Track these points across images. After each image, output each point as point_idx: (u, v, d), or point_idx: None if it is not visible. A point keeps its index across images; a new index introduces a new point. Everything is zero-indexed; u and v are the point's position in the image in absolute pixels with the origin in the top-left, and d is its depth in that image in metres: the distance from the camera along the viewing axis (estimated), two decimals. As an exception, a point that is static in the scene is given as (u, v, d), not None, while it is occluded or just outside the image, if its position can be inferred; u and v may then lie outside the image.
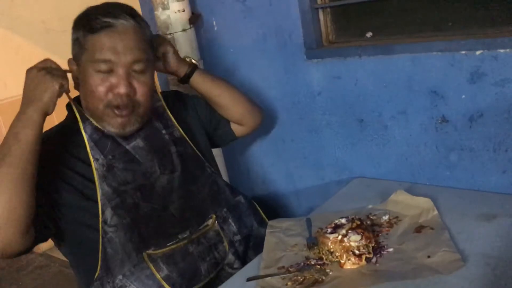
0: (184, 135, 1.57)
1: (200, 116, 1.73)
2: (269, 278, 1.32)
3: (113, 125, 1.39)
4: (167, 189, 1.47)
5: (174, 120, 1.58)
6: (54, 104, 1.31)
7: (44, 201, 1.33)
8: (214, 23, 2.13)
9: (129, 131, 1.42)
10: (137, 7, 2.37)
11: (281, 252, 1.45)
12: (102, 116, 1.38)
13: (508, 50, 1.48)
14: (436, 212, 1.49)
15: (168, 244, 1.41)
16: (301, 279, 1.29)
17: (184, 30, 2.05)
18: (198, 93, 1.73)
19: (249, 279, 1.34)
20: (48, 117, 1.31)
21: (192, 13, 2.08)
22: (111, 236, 1.36)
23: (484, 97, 1.56)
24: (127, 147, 1.43)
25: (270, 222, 1.64)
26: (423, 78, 1.66)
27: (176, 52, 1.62)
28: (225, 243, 1.52)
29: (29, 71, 1.32)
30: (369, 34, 1.83)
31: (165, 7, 2.02)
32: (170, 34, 2.04)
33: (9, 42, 2.12)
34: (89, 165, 1.39)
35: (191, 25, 2.07)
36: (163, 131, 1.53)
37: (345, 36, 1.91)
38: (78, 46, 1.35)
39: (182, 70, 1.64)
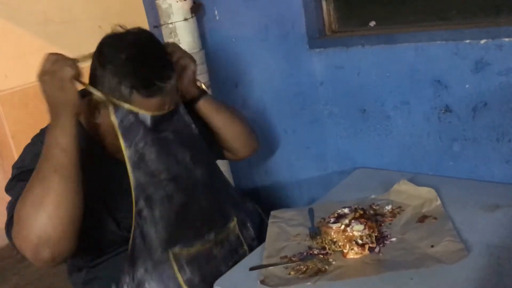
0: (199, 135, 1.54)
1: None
2: (272, 267, 1.32)
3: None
4: (199, 183, 1.45)
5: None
6: (77, 100, 1.24)
7: None
8: (216, 12, 2.12)
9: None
10: (138, -4, 2.36)
11: (284, 241, 1.45)
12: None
13: (512, 39, 1.47)
14: (439, 202, 1.49)
15: (195, 244, 1.40)
16: (304, 269, 1.29)
17: (185, 19, 2.03)
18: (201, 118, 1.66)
19: (252, 268, 1.34)
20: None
21: (194, 2, 2.07)
22: (142, 229, 1.33)
23: (488, 86, 1.56)
24: (159, 136, 1.39)
25: (272, 212, 1.64)
26: (427, 67, 1.65)
27: (194, 72, 1.55)
28: (245, 247, 1.51)
29: (38, 79, 1.25)
30: (372, 23, 1.82)
31: (166, -4, 2.01)
32: (171, 23, 2.03)
33: (9, 33, 2.10)
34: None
35: (193, 15, 2.06)
36: (193, 125, 1.49)
37: (348, 26, 1.90)
38: (119, 96, 1.28)
39: (191, 92, 1.57)
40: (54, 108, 1.23)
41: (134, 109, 1.29)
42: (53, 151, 1.20)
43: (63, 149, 1.21)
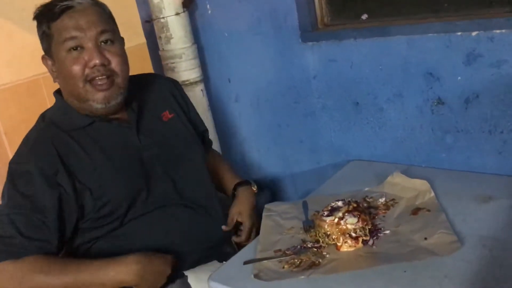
0: None
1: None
2: (266, 261, 1.32)
3: (97, 101, 1.39)
4: None
5: None
6: None
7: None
8: (208, 6, 2.11)
9: (113, 105, 1.43)
10: (130, -10, 2.34)
11: (278, 235, 1.45)
12: (85, 94, 1.39)
13: (504, 31, 1.47)
14: (432, 194, 1.49)
15: None
16: (298, 262, 1.29)
17: (177, 13, 2.03)
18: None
19: (246, 262, 1.34)
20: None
21: (186, -4, 2.06)
22: None
23: (480, 78, 1.56)
24: None
25: (266, 206, 1.64)
26: (419, 60, 1.65)
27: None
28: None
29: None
30: (364, 16, 1.82)
31: (158, -9, 2.00)
32: (163, 18, 2.02)
33: (0, 29, 2.09)
34: None
35: (185, 9, 2.05)
36: None
37: (340, 19, 1.90)
38: (46, 37, 1.38)
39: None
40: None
41: (59, 42, 1.36)
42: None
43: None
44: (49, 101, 2.52)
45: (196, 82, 2.13)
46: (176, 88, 1.69)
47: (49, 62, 1.43)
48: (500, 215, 1.36)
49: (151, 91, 1.57)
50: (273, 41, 1.98)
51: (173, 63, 2.08)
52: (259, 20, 1.98)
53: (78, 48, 1.36)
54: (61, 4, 1.35)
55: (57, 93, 1.50)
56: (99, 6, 1.43)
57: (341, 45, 1.80)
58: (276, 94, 2.06)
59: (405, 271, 1.19)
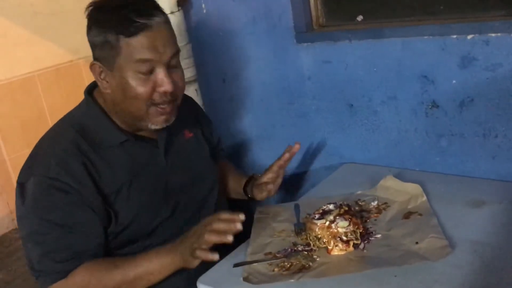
0: None
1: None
2: (256, 264, 1.31)
3: (156, 123, 1.35)
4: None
5: None
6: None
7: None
8: (203, 5, 2.09)
9: (169, 124, 1.39)
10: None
11: (269, 238, 1.44)
12: (146, 116, 1.33)
13: (499, 34, 1.47)
14: (425, 198, 1.48)
15: None
16: (288, 265, 1.29)
17: (172, 12, 2.01)
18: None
19: (236, 265, 1.33)
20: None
21: (181, -5, 2.05)
22: None
23: (474, 82, 1.55)
24: None
25: (258, 208, 1.63)
26: (414, 62, 1.64)
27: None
28: None
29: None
30: (359, 18, 1.81)
31: (153, -11, 1.98)
32: (158, 16, 2.01)
33: (-4, 25, 2.08)
34: None
35: (180, 7, 2.04)
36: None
37: (335, 20, 1.88)
38: (109, 49, 1.27)
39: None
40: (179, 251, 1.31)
41: (129, 60, 1.27)
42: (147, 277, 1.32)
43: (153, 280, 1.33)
44: (44, 99, 2.51)
45: (190, 82, 2.11)
46: (194, 107, 1.71)
47: (100, 70, 1.32)
48: (492, 220, 1.36)
49: None
50: (268, 41, 1.97)
51: (167, 62, 2.07)
52: (254, 20, 1.97)
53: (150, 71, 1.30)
54: (139, 22, 1.24)
55: (89, 94, 1.42)
56: (169, 21, 1.34)
57: (335, 46, 1.79)
58: (270, 95, 2.05)
59: (395, 276, 1.18)
